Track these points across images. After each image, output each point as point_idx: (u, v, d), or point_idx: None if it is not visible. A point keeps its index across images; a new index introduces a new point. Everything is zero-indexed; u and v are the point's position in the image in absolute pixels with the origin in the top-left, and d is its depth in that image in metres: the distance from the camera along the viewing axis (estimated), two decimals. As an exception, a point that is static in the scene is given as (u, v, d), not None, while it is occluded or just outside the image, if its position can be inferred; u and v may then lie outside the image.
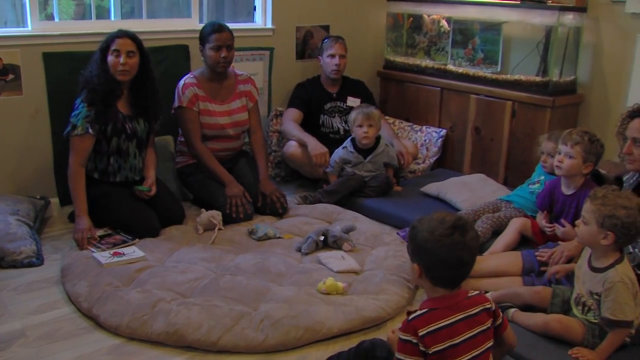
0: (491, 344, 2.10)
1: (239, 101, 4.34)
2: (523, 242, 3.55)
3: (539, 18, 4.49)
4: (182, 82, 4.21)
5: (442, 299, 2.04)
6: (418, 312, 2.02)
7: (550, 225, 3.41)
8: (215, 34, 4.11)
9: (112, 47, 3.67)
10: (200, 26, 4.59)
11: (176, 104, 4.20)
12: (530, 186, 3.80)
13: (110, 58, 3.68)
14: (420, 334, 1.96)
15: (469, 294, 2.09)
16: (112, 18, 4.35)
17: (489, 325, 2.08)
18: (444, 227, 1.99)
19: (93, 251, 3.47)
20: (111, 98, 3.72)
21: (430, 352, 1.96)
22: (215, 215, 3.86)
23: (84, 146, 3.68)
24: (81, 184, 3.69)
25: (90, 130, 3.65)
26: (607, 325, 2.51)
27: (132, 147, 3.86)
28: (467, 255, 2.02)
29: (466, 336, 2.01)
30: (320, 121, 4.83)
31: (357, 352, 2.37)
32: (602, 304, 2.51)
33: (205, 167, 4.16)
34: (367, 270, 3.45)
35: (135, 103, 3.84)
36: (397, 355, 2.01)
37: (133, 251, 3.48)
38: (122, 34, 3.71)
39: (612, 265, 2.52)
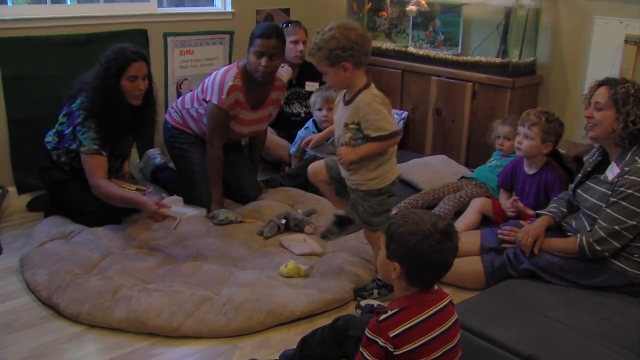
0: (459, 335, 2.09)
1: (267, 110, 4.09)
2: (485, 221, 3.59)
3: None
4: (229, 81, 3.80)
5: (413, 296, 2.01)
6: (389, 313, 1.98)
7: (512, 208, 3.46)
8: (260, 39, 3.71)
9: (129, 73, 3.46)
10: (159, 10, 4.56)
11: (215, 101, 3.82)
12: (488, 164, 3.90)
13: (127, 83, 3.48)
14: (392, 335, 1.93)
15: (436, 288, 2.07)
16: (69, 2, 4.27)
17: (457, 316, 2.08)
18: (437, 232, 1.93)
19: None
20: (122, 126, 3.59)
21: (398, 352, 1.94)
22: (177, 202, 3.81)
23: (96, 163, 3.49)
24: (114, 189, 3.49)
25: (103, 152, 3.51)
26: (379, 140, 2.70)
27: (115, 165, 3.79)
28: (453, 259, 2.00)
29: (439, 331, 1.99)
30: (281, 109, 4.79)
31: (331, 330, 2.35)
32: (366, 129, 2.70)
33: (207, 170, 3.92)
34: (328, 252, 3.46)
35: (134, 119, 3.67)
36: (361, 349, 1.99)
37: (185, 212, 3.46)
38: (137, 57, 3.49)
39: (360, 92, 2.73)
